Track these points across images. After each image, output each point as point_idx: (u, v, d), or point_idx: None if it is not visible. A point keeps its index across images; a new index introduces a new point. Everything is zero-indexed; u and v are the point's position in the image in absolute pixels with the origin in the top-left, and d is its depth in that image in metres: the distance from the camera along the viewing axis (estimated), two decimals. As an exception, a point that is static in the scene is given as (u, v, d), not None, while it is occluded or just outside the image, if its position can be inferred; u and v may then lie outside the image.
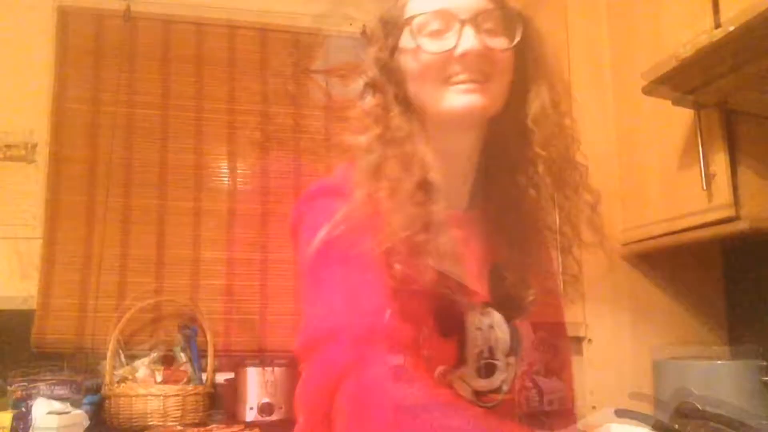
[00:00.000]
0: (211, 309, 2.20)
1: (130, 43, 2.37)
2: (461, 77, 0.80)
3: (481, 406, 0.85)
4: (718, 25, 1.32)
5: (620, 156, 1.77)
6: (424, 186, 0.80)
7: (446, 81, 0.81)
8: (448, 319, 0.82)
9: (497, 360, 0.87)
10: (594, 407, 1.72)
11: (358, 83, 0.89)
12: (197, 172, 2.35)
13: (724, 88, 1.26)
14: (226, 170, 2.38)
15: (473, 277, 0.86)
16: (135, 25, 2.39)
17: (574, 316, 1.77)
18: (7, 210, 2.21)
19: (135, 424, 1.82)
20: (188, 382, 1.98)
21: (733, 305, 1.78)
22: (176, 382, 1.95)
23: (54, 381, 1.83)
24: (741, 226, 1.32)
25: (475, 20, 0.80)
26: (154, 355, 2.05)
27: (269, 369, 2.03)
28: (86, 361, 2.16)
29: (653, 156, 1.60)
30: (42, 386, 1.80)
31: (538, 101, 0.86)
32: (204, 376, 2.02)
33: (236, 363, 2.09)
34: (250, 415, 1.99)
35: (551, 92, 0.87)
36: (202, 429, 1.73)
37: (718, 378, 1.46)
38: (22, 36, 2.32)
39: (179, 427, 1.78)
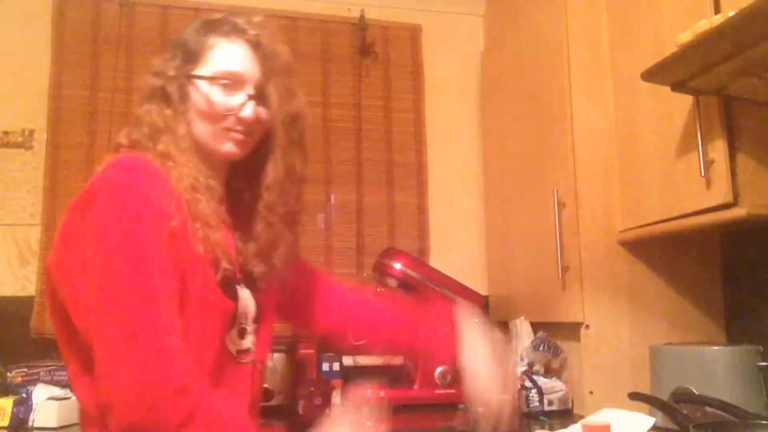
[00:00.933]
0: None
1: (127, 29, 2.36)
2: (235, 129, 1.05)
3: (240, 362, 1.05)
4: (718, 11, 1.32)
5: (619, 142, 1.77)
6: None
7: (221, 126, 1.05)
8: (231, 289, 1.03)
9: (247, 326, 1.07)
10: (591, 392, 1.74)
11: (146, 87, 1.08)
12: (196, 159, 2.34)
13: (723, 74, 1.26)
14: (224, 157, 2.38)
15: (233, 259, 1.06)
16: (132, 11, 2.37)
17: (572, 302, 1.78)
18: (5, 197, 2.21)
19: (135, 409, 1.82)
20: (188, 368, 1.99)
21: (730, 292, 1.79)
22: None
23: (54, 367, 1.83)
24: (739, 212, 1.32)
25: (261, 93, 1.06)
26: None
27: (268, 355, 2.04)
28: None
29: (652, 142, 1.60)
30: (42, 372, 1.81)
31: (274, 166, 1.09)
32: (203, 362, 2.03)
33: (235, 349, 2.10)
34: (250, 400, 2.00)
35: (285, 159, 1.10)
36: (201, 414, 1.74)
37: (714, 363, 1.47)
38: (20, 22, 2.31)
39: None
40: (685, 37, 1.21)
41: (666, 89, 1.38)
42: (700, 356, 1.50)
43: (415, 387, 2.03)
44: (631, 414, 1.54)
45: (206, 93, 1.04)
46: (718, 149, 1.35)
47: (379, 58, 2.53)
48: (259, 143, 1.10)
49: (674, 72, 1.31)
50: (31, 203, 2.22)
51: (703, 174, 1.37)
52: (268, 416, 1.89)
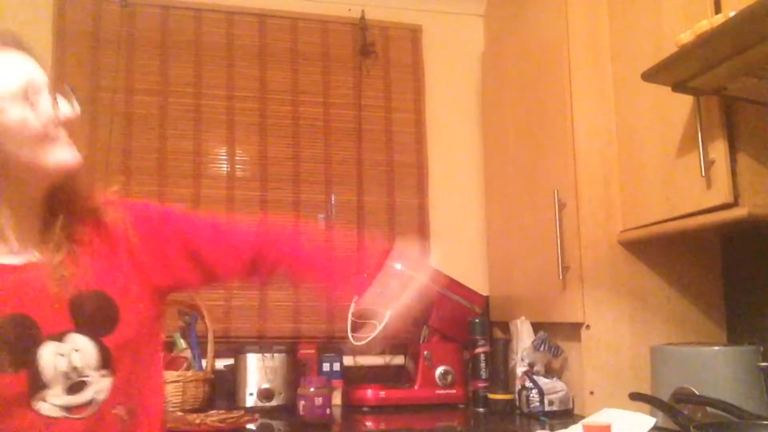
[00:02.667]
0: (210, 295, 2.21)
1: (128, 29, 2.36)
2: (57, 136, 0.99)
3: (75, 419, 0.94)
4: (718, 11, 1.32)
5: (619, 142, 1.77)
6: None
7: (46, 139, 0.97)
8: (14, 356, 0.91)
9: (87, 376, 0.96)
10: (592, 392, 1.74)
11: None
12: (196, 159, 2.34)
13: (723, 74, 1.26)
14: (225, 157, 2.38)
15: (49, 312, 0.95)
16: (133, 11, 2.37)
17: (572, 302, 1.78)
18: (6, 197, 2.20)
19: (135, 409, 1.82)
20: (188, 368, 1.98)
21: (731, 292, 1.79)
22: (176, 368, 1.96)
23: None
24: (739, 212, 1.33)
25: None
26: (154, 341, 2.05)
27: (269, 355, 2.04)
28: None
29: (652, 142, 1.60)
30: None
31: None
32: (204, 363, 2.03)
33: (236, 349, 2.10)
34: (250, 400, 2.00)
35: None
36: (201, 415, 1.73)
37: (714, 363, 1.47)
38: (20, 22, 2.31)
39: (179, 413, 1.79)
40: (686, 37, 1.21)
41: (666, 89, 1.38)
42: (701, 356, 1.50)
43: (415, 387, 2.04)
44: (631, 414, 1.54)
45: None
46: (719, 149, 1.35)
47: (379, 58, 2.53)
48: None
49: (675, 72, 1.31)
50: (31, 203, 2.21)
51: (703, 174, 1.37)
52: (268, 416, 1.89)
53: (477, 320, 2.05)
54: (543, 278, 1.92)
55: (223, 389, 2.09)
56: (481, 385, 1.99)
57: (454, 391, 2.03)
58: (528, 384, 1.83)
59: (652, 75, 1.35)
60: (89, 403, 0.96)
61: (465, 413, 1.95)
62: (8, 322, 0.92)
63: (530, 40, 2.09)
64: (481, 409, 1.96)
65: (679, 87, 1.36)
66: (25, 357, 0.92)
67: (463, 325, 2.07)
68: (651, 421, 1.50)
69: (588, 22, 1.86)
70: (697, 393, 1.45)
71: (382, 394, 1.99)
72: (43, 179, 0.99)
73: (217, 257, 1.17)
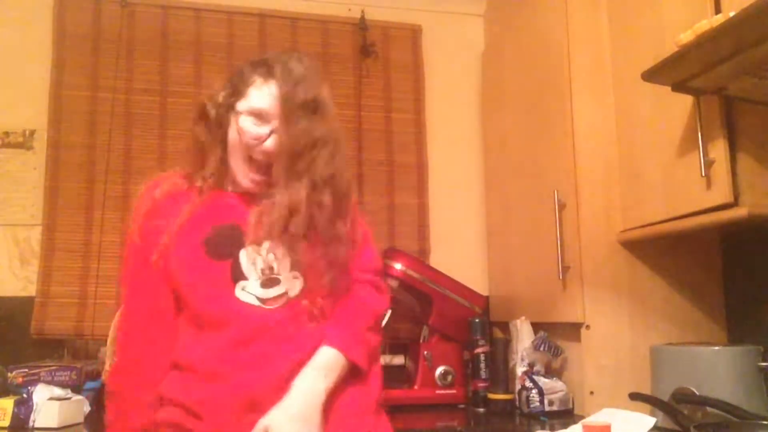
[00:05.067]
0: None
1: (128, 29, 2.36)
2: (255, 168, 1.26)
3: (267, 308, 1.18)
4: (718, 11, 1.32)
5: (619, 142, 1.77)
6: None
7: (248, 160, 1.25)
8: (224, 249, 1.21)
9: (280, 275, 1.20)
10: (592, 392, 1.74)
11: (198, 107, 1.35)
12: (196, 159, 2.34)
13: (724, 74, 1.26)
14: (225, 157, 2.38)
15: (257, 225, 1.21)
16: (133, 11, 2.37)
17: (572, 302, 1.78)
18: (6, 196, 2.21)
19: (135, 409, 1.82)
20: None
21: (731, 292, 1.79)
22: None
23: (55, 367, 1.83)
24: (739, 212, 1.32)
25: (285, 126, 1.22)
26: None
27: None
28: (86, 348, 2.17)
29: (652, 142, 1.60)
30: (43, 372, 1.81)
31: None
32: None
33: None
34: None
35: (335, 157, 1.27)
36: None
37: (715, 363, 1.47)
38: (20, 22, 2.31)
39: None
40: (686, 37, 1.21)
41: (666, 89, 1.38)
42: (701, 356, 1.50)
43: (415, 387, 2.04)
44: (631, 414, 1.54)
45: (240, 124, 1.23)
46: (719, 149, 1.35)
47: (379, 58, 2.53)
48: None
49: (675, 72, 1.31)
50: (31, 203, 2.22)
51: (703, 174, 1.37)
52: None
53: (477, 320, 2.05)
54: (543, 278, 1.92)
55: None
56: (481, 385, 1.99)
57: (454, 391, 2.03)
58: (528, 384, 1.83)
59: (652, 75, 1.35)
60: (280, 296, 1.19)
61: (465, 413, 1.95)
62: (226, 228, 1.22)
63: (530, 40, 2.09)
64: (481, 409, 1.96)
65: (679, 87, 1.36)
66: (230, 251, 1.20)
67: (463, 325, 2.07)
68: (651, 421, 1.50)
69: (588, 22, 1.86)
70: (697, 393, 1.45)
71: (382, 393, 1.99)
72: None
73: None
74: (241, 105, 1.25)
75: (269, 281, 1.19)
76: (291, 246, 1.20)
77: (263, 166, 1.24)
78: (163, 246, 1.23)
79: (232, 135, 1.26)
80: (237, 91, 1.27)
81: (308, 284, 1.21)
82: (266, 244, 1.21)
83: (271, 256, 1.20)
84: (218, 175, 1.29)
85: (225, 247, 1.20)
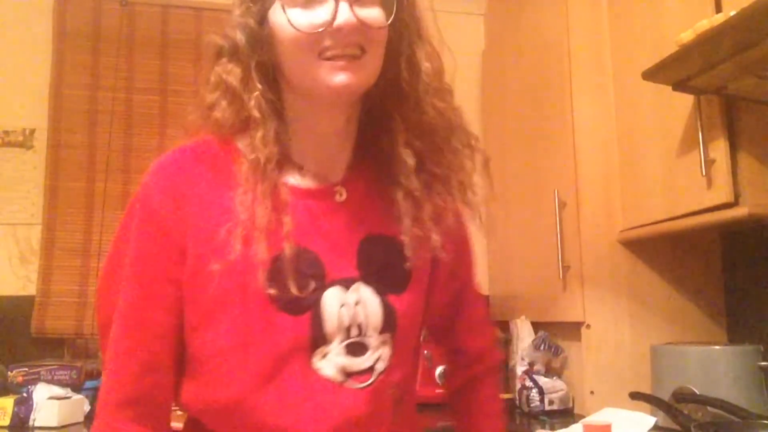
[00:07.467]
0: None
1: (128, 28, 2.36)
2: (335, 52, 0.74)
3: (353, 387, 0.77)
4: (719, 10, 1.32)
5: (620, 142, 1.77)
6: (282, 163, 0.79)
7: (319, 56, 0.74)
8: (294, 297, 0.74)
9: (368, 337, 0.78)
10: (592, 392, 1.73)
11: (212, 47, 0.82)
12: (196, 158, 2.34)
13: (724, 73, 1.26)
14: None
15: (338, 250, 0.79)
16: (133, 10, 2.37)
17: (573, 301, 1.78)
18: (6, 196, 2.21)
19: (135, 409, 1.82)
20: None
21: (731, 292, 1.79)
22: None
23: (55, 366, 1.83)
24: (740, 212, 1.32)
25: None
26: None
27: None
28: (86, 347, 2.17)
29: (653, 142, 1.60)
30: (43, 371, 1.81)
31: (415, 67, 0.89)
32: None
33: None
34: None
35: (429, 58, 0.91)
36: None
37: (715, 363, 1.47)
38: (20, 21, 2.31)
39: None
40: (686, 36, 1.21)
41: (667, 89, 1.38)
42: (701, 356, 1.50)
43: (415, 387, 2.03)
44: (632, 414, 1.54)
45: (282, 22, 0.74)
46: (719, 149, 1.35)
47: (379, 57, 2.52)
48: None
49: (675, 71, 1.31)
50: (31, 203, 2.22)
51: (704, 173, 1.37)
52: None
53: (477, 320, 2.05)
54: (543, 277, 1.92)
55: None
56: (481, 384, 1.99)
57: (454, 390, 2.03)
58: (528, 383, 1.83)
59: (652, 74, 1.35)
60: (370, 370, 0.78)
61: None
62: (296, 255, 0.74)
63: (530, 40, 2.09)
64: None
65: (679, 86, 1.36)
66: (309, 299, 0.75)
67: (464, 324, 2.06)
68: (651, 421, 1.50)
69: (588, 21, 1.86)
70: (697, 393, 1.45)
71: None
72: (322, 105, 0.79)
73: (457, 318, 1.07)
74: None
75: (355, 347, 0.78)
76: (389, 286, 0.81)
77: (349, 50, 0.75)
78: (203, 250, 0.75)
79: (280, 46, 0.76)
80: None
81: (396, 353, 0.81)
82: (358, 284, 0.79)
83: (360, 308, 0.78)
84: (277, 142, 0.78)
85: (305, 287, 0.75)
